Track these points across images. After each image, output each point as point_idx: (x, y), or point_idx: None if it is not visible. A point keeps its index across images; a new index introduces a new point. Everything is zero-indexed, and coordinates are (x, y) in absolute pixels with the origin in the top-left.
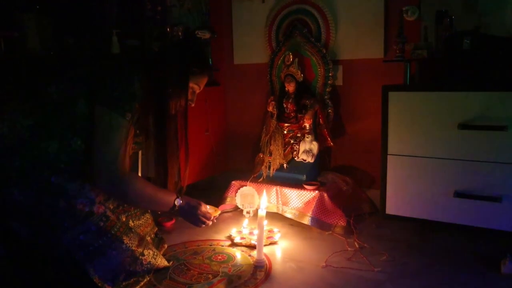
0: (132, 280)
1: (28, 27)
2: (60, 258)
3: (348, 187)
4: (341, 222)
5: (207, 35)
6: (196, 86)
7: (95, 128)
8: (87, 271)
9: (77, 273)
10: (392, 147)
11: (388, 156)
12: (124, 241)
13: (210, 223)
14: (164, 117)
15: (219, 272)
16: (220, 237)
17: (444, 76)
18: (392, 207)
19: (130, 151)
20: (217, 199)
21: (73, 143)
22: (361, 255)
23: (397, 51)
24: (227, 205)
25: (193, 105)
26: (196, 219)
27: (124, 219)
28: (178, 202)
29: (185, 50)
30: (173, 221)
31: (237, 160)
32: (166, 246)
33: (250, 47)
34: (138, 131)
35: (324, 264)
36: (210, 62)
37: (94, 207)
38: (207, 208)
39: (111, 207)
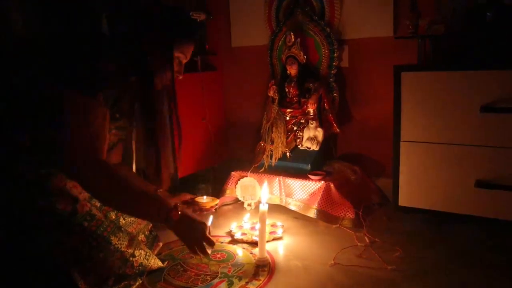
0: (122, 284)
1: (11, 10)
2: (40, 263)
3: (356, 176)
4: (349, 215)
5: (202, 17)
6: (182, 55)
7: (65, 112)
8: (71, 277)
9: (61, 279)
10: (405, 133)
11: (401, 142)
12: (112, 241)
13: (210, 252)
14: (150, 94)
15: (218, 272)
16: (219, 233)
17: (464, 54)
18: (405, 198)
19: (111, 137)
20: (216, 192)
21: (45, 134)
22: (372, 251)
23: (410, 27)
24: (227, 197)
25: (180, 77)
26: (197, 243)
27: (113, 217)
28: (175, 214)
29: (163, 19)
30: None
31: (236, 150)
32: (161, 244)
33: (249, 28)
34: (117, 115)
35: (333, 262)
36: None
37: (77, 205)
38: (210, 232)
39: (98, 205)
